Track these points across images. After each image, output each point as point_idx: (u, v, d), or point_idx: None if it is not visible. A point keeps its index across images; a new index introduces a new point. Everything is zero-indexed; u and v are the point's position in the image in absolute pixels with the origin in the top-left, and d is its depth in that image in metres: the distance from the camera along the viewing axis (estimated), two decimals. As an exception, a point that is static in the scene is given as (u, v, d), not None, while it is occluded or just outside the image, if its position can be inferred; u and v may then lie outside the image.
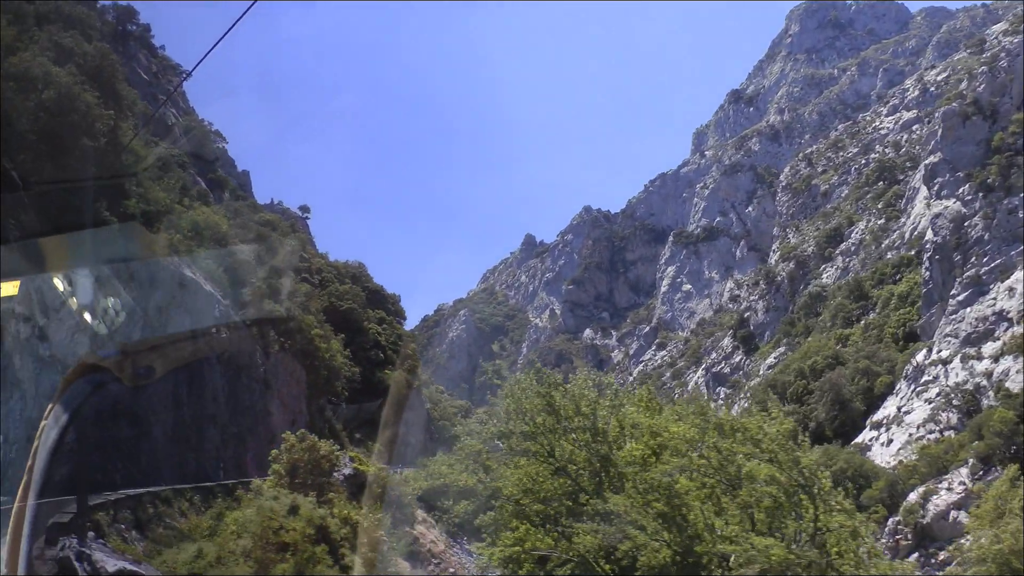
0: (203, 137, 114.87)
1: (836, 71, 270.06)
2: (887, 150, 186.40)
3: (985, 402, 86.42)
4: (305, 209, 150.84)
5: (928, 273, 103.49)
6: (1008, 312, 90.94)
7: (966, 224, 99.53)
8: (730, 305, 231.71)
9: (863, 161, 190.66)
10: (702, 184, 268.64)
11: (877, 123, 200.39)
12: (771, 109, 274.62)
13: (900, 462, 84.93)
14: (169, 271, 51.63)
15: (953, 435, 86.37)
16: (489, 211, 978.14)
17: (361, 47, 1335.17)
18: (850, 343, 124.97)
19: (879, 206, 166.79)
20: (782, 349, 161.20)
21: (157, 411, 44.05)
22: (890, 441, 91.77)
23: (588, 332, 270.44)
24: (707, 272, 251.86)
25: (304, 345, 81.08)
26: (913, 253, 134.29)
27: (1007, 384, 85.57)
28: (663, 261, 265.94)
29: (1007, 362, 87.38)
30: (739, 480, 27.54)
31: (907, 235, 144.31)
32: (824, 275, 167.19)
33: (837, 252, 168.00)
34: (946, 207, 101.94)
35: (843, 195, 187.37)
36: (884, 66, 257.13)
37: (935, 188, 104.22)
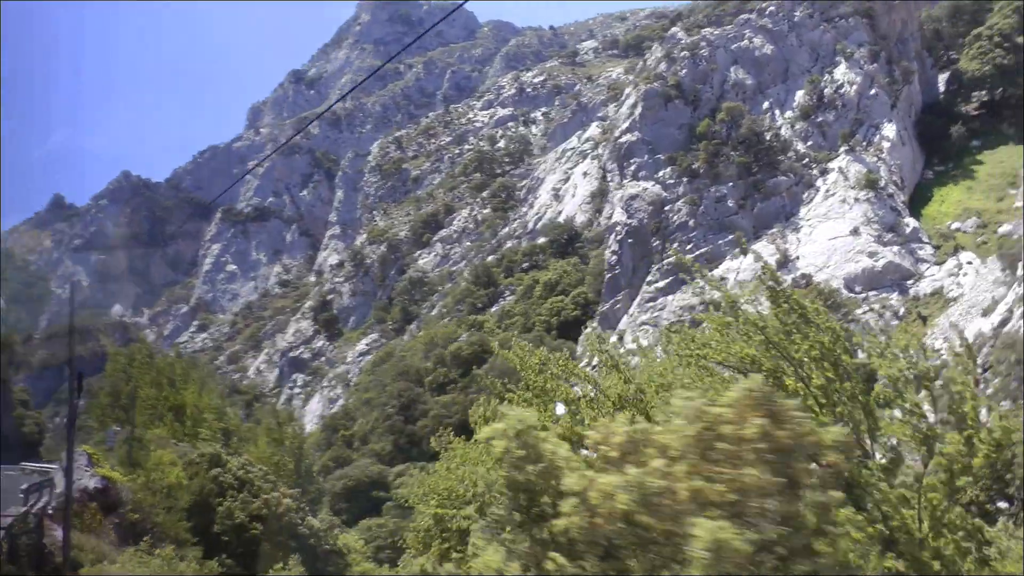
0: None
1: (403, 66, 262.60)
2: (482, 143, 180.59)
3: (701, 395, 78.84)
4: None
5: (616, 257, 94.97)
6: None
7: (667, 208, 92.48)
8: (277, 289, 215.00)
9: (457, 151, 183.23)
10: (255, 162, 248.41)
11: (471, 115, 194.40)
12: (333, 95, 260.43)
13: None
14: None
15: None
16: (10, 167, 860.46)
17: None
18: (486, 331, 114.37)
19: (484, 195, 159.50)
20: (375, 335, 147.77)
21: None
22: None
23: (118, 307, 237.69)
24: (255, 253, 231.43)
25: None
26: (546, 241, 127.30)
27: (725, 377, 78.75)
28: (208, 238, 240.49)
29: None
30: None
31: (530, 225, 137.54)
32: (421, 260, 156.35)
33: (436, 239, 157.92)
34: (644, 189, 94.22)
35: (436, 182, 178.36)
36: (452, 68, 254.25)
37: (631, 168, 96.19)
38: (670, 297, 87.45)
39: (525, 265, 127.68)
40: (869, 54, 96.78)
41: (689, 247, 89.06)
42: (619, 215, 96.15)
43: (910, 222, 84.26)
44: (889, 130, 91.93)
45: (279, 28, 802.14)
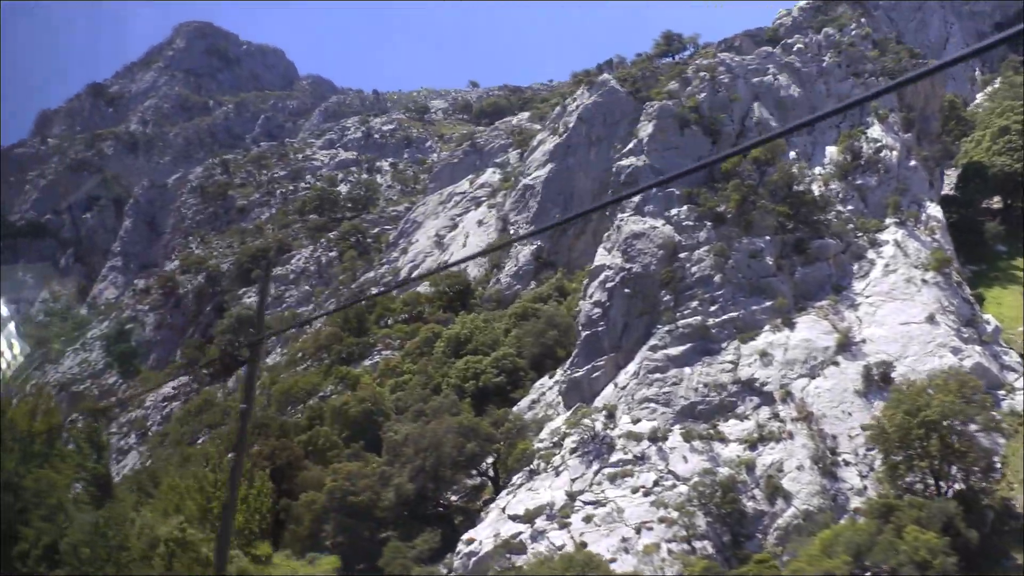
0: None
1: (213, 102, 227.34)
2: (320, 183, 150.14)
3: (752, 504, 52.86)
4: None
5: (600, 311, 67.86)
6: (764, 383, 58.99)
7: (682, 256, 66.84)
8: (41, 317, 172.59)
9: (291, 187, 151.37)
10: (39, 172, 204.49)
11: (309, 152, 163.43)
12: (134, 117, 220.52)
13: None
14: None
15: (705, 549, 51.39)
16: None
17: None
18: (367, 386, 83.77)
19: (331, 235, 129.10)
20: (185, 378, 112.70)
21: None
22: (583, 544, 52.63)
23: None
24: (21, 275, 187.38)
25: None
26: (434, 291, 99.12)
27: (783, 481, 53.17)
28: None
29: (775, 452, 55.10)
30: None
31: (404, 272, 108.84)
32: (247, 299, 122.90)
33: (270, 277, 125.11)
34: (652, 227, 68.16)
35: (264, 216, 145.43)
36: (266, 114, 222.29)
37: (634, 201, 70.12)
38: (687, 369, 61.19)
39: (404, 316, 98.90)
40: (903, 122, 76.70)
41: (714, 308, 63.56)
42: (606, 257, 69.33)
43: (990, 319, 62.84)
44: (934, 209, 71.35)
45: (81, 37, 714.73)
